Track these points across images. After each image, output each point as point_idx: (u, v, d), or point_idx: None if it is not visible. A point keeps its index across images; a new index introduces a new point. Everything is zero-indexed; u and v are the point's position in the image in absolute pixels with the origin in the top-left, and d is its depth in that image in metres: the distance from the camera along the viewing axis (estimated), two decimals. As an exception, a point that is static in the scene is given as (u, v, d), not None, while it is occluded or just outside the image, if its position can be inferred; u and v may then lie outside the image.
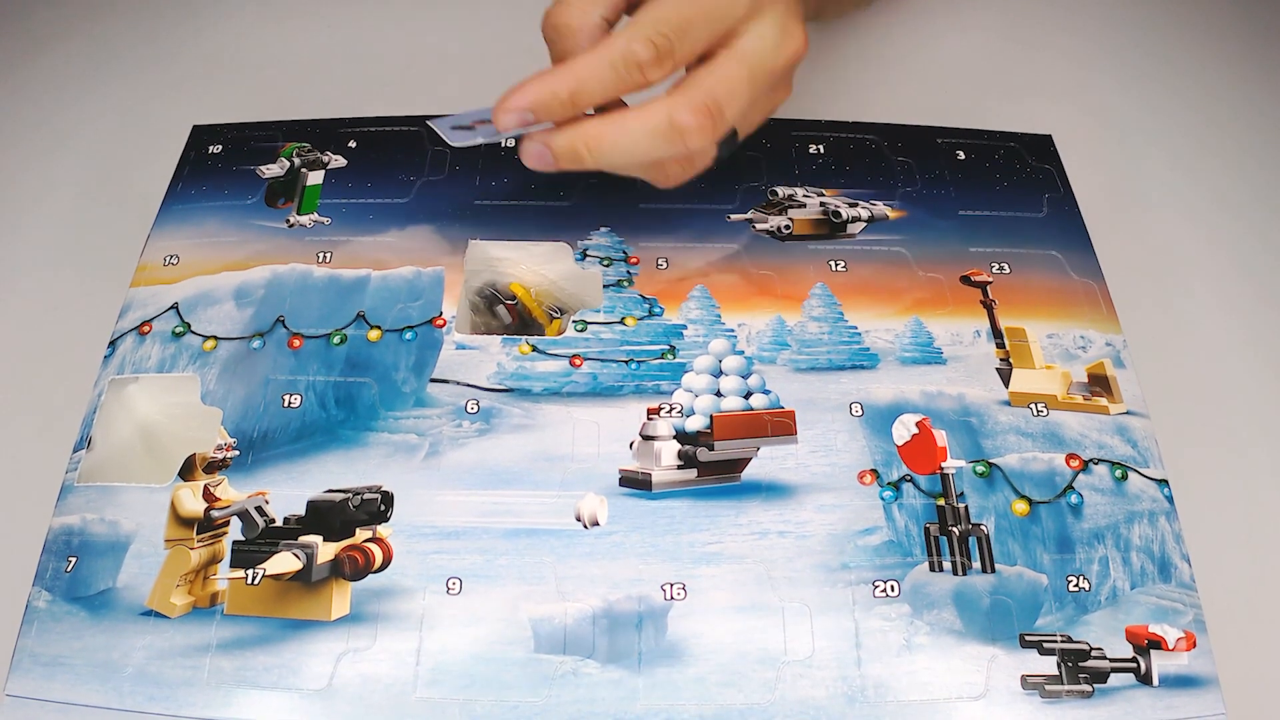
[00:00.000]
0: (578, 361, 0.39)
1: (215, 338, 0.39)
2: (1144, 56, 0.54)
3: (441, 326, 0.39)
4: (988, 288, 0.40)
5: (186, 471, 0.36)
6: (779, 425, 0.37)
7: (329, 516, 0.35)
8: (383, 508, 0.36)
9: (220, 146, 0.45)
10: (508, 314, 0.41)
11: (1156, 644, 0.33)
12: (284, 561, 0.35)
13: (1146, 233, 0.47)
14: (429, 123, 0.37)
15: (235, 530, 0.35)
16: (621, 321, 0.40)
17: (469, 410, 0.38)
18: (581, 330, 0.40)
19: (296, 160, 0.44)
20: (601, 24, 0.36)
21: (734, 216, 0.42)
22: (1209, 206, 0.48)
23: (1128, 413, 0.38)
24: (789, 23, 0.36)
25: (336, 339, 0.39)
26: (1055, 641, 0.33)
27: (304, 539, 0.35)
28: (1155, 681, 0.33)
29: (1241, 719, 0.33)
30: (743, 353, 0.39)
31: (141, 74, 0.53)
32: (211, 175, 0.44)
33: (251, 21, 0.55)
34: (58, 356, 0.43)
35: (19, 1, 0.56)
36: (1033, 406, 0.38)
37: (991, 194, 0.44)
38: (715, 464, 0.37)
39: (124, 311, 0.40)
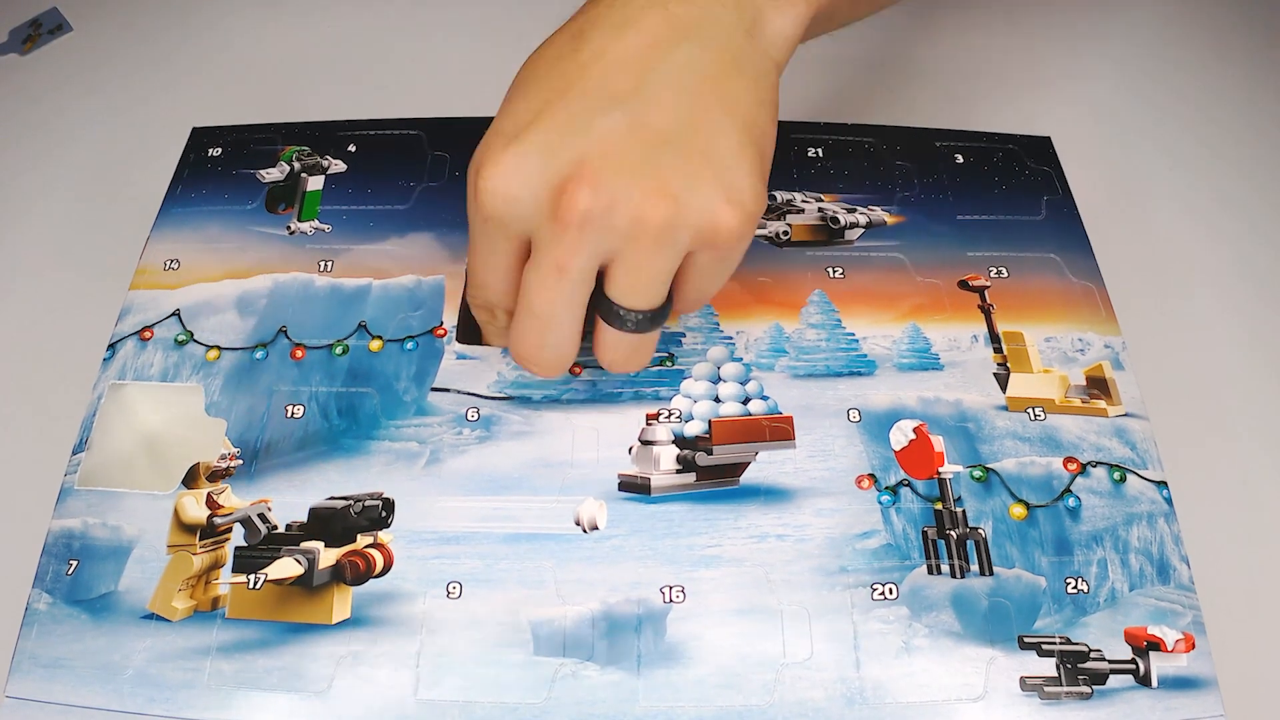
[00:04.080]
0: (577, 370, 0.39)
1: (218, 348, 0.39)
2: (1144, 57, 0.54)
3: (442, 336, 0.40)
4: (985, 292, 0.41)
5: (190, 480, 0.36)
6: (777, 430, 0.37)
7: (330, 523, 0.36)
8: (384, 514, 0.36)
9: (220, 149, 0.45)
10: None
11: (1155, 645, 0.33)
12: (285, 567, 0.35)
13: (1146, 233, 0.47)
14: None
15: (238, 536, 0.35)
16: (621, 330, 0.40)
17: (469, 418, 0.38)
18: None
19: (296, 165, 0.44)
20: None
21: None
22: (1209, 207, 0.48)
23: (1126, 415, 0.38)
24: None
25: (339, 350, 0.39)
26: (1054, 643, 0.33)
27: (305, 545, 0.35)
28: (1154, 683, 0.33)
29: (1241, 720, 0.33)
30: (741, 360, 0.39)
31: (145, 73, 0.53)
32: (211, 178, 0.44)
33: (250, 22, 0.56)
34: (57, 358, 0.43)
35: (21, 1, 0.57)
36: (1030, 411, 0.38)
37: (990, 198, 0.44)
38: (714, 468, 0.37)
39: (123, 314, 0.40)
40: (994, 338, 0.40)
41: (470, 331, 0.39)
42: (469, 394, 0.38)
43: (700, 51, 0.30)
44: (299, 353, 0.39)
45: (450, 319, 0.40)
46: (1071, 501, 0.36)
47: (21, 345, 0.44)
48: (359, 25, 0.55)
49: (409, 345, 0.40)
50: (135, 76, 0.53)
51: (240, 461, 0.37)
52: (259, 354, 0.39)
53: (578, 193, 0.29)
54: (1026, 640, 0.33)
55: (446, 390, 0.39)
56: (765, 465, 0.37)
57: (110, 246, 0.45)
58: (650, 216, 0.29)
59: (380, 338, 0.40)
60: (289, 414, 0.38)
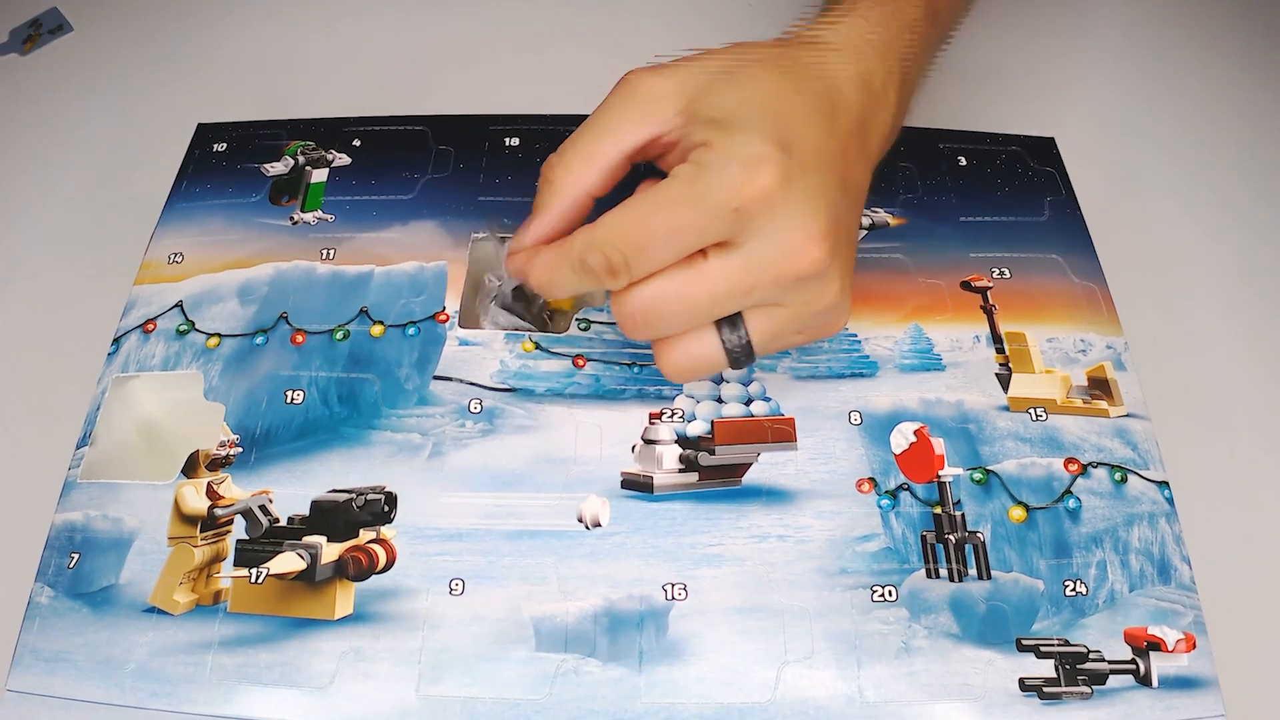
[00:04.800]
0: (580, 362, 0.39)
1: (219, 335, 0.39)
2: (1147, 58, 0.54)
3: (444, 321, 0.40)
4: (988, 293, 0.41)
5: (189, 469, 0.36)
6: (779, 432, 0.38)
7: (333, 517, 0.36)
8: (386, 509, 0.36)
9: (225, 145, 0.45)
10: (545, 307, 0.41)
11: (1156, 645, 0.33)
12: (288, 561, 0.35)
13: (1148, 234, 0.47)
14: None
15: (239, 529, 0.35)
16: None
17: (472, 410, 0.38)
18: (585, 329, 0.40)
19: (301, 158, 0.44)
20: (586, 199, 0.34)
21: None
22: (1211, 208, 0.48)
23: (1128, 415, 0.38)
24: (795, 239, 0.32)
25: (339, 334, 0.39)
26: (1052, 645, 0.33)
27: (308, 539, 0.35)
28: (1155, 683, 0.33)
29: (1241, 720, 0.33)
30: (744, 359, 0.39)
31: (146, 72, 0.53)
32: (216, 173, 0.44)
33: (251, 21, 0.55)
34: (62, 353, 0.43)
35: (21, 1, 0.56)
36: (1031, 411, 0.38)
37: (993, 199, 0.44)
38: (716, 468, 0.37)
39: (128, 309, 0.40)
40: (996, 338, 0.40)
41: (473, 316, 0.39)
42: (471, 384, 0.38)
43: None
44: (299, 338, 0.39)
45: (452, 304, 0.40)
46: (1071, 503, 0.36)
47: (26, 342, 0.44)
48: (363, 23, 0.55)
49: (411, 330, 0.39)
50: (136, 77, 0.53)
51: (240, 449, 0.37)
52: (259, 339, 0.39)
53: (819, 251, 0.31)
54: (1024, 642, 0.33)
55: (449, 379, 0.38)
56: (767, 467, 0.37)
57: (113, 244, 0.45)
58: (844, 301, 0.33)
59: (382, 323, 0.40)
60: (288, 399, 0.38)
